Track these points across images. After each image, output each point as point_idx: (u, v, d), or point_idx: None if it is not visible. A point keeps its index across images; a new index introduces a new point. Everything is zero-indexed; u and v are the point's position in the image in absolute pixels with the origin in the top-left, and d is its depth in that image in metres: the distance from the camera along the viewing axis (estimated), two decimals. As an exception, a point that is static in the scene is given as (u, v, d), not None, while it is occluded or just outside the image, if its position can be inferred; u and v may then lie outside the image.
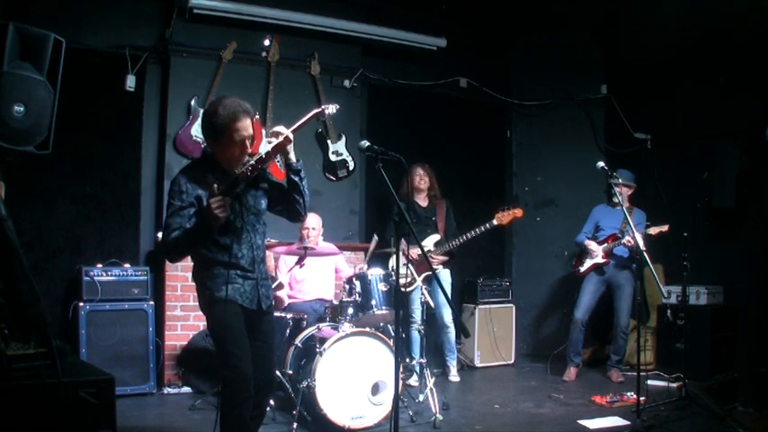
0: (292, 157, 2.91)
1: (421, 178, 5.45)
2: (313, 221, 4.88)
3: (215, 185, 2.61)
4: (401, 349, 3.98)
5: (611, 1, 6.25)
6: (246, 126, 2.75)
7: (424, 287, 4.72)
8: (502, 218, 5.27)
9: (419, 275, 5.23)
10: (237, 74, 5.47)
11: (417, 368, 4.53)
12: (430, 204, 5.52)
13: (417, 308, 5.36)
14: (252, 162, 2.67)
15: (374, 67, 6.23)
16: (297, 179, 2.94)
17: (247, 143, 2.76)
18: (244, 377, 2.76)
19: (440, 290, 5.32)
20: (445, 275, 5.49)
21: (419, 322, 5.40)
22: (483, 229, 5.27)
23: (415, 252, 5.25)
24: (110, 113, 5.23)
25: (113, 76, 5.19)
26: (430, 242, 5.42)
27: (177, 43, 5.30)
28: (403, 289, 4.73)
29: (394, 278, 4.70)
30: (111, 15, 5.19)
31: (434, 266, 5.33)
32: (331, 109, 2.98)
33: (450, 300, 5.06)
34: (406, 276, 5.02)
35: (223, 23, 5.35)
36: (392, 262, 5.35)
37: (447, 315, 5.45)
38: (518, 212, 5.30)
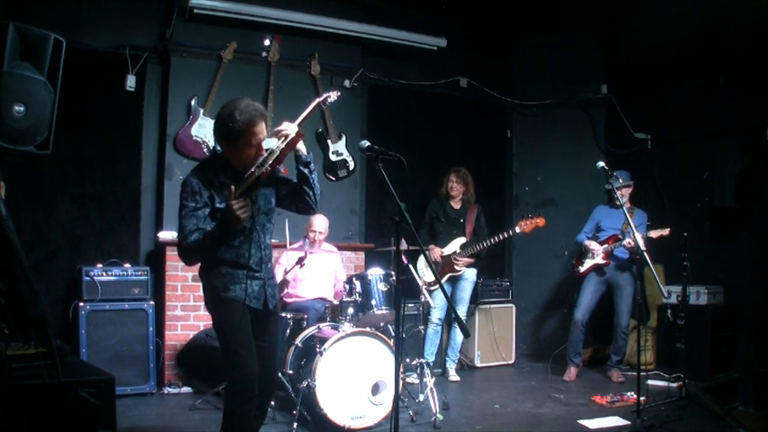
0: (303, 150, 2.93)
1: (453, 184, 5.58)
2: (321, 225, 4.88)
3: (233, 187, 2.62)
4: (403, 349, 3.99)
5: (611, 1, 6.25)
6: (263, 129, 2.80)
7: (424, 287, 4.74)
8: (524, 226, 5.35)
9: (443, 276, 5.32)
10: (238, 74, 5.47)
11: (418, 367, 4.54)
12: (462, 208, 5.63)
13: (437, 307, 5.42)
14: (270, 161, 2.71)
15: (374, 67, 6.23)
16: (307, 171, 2.96)
17: (263, 145, 2.80)
18: (249, 377, 2.77)
19: (459, 290, 5.48)
20: (470, 275, 5.60)
21: (437, 322, 5.48)
22: (506, 235, 5.43)
23: (439, 252, 5.39)
24: (110, 113, 5.23)
25: (113, 76, 5.20)
26: (456, 244, 5.52)
27: (177, 43, 5.30)
28: (426, 288, 4.84)
29: (419, 278, 4.79)
30: (111, 15, 5.20)
31: (459, 268, 5.45)
32: (333, 96, 3.01)
33: (450, 302, 5.13)
34: (420, 274, 5.14)
35: (223, 23, 5.35)
36: (420, 263, 5.41)
37: (462, 314, 5.52)
38: (540, 222, 5.34)
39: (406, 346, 4.89)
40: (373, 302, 4.28)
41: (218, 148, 2.91)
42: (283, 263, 4.91)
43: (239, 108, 2.74)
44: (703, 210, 5.89)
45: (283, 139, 2.77)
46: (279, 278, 4.76)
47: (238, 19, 5.35)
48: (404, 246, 3.86)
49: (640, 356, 4.56)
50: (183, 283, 5.13)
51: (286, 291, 4.88)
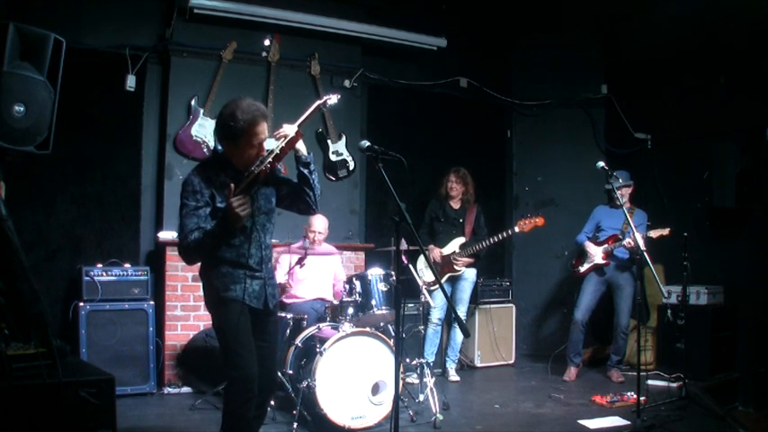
0: (303, 150, 2.93)
1: (452, 185, 5.58)
2: (320, 225, 4.87)
3: (232, 185, 2.63)
4: (403, 349, 4.00)
5: (611, 1, 6.25)
6: (264, 129, 2.80)
7: (424, 287, 4.74)
8: (524, 225, 5.35)
9: (442, 276, 5.32)
10: (238, 74, 5.47)
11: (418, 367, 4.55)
12: (461, 208, 5.63)
13: (436, 307, 5.43)
14: (269, 160, 2.72)
15: (374, 67, 6.23)
16: (306, 172, 2.96)
17: (264, 145, 2.80)
18: (248, 377, 2.77)
19: (459, 290, 5.48)
20: (470, 275, 5.59)
21: (437, 322, 5.48)
22: (505, 234, 5.43)
23: (438, 252, 5.38)
24: (110, 113, 5.23)
25: (113, 76, 5.20)
26: (455, 244, 5.52)
27: (177, 43, 5.30)
28: (426, 288, 4.85)
29: (419, 278, 4.79)
30: (111, 15, 5.20)
31: (458, 268, 5.45)
32: (333, 99, 3.02)
33: (450, 301, 5.14)
34: (420, 274, 5.14)
35: (223, 23, 5.35)
36: (420, 263, 5.42)
37: (462, 314, 5.52)
38: (539, 221, 5.35)
39: (406, 346, 4.89)
40: (373, 302, 4.28)
41: (219, 147, 2.91)
42: (282, 264, 4.90)
43: (241, 108, 2.74)
44: (703, 210, 5.89)
45: (283, 138, 2.78)
46: (280, 279, 4.76)
47: (238, 19, 5.35)
48: (404, 246, 3.86)
49: (640, 356, 4.56)
50: (183, 283, 5.13)
51: (287, 292, 4.89)
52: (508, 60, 7.09)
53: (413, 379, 4.94)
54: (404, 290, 3.64)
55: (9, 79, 2.79)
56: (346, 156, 5.86)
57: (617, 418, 4.32)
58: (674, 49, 6.13)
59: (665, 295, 5.15)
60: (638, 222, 5.28)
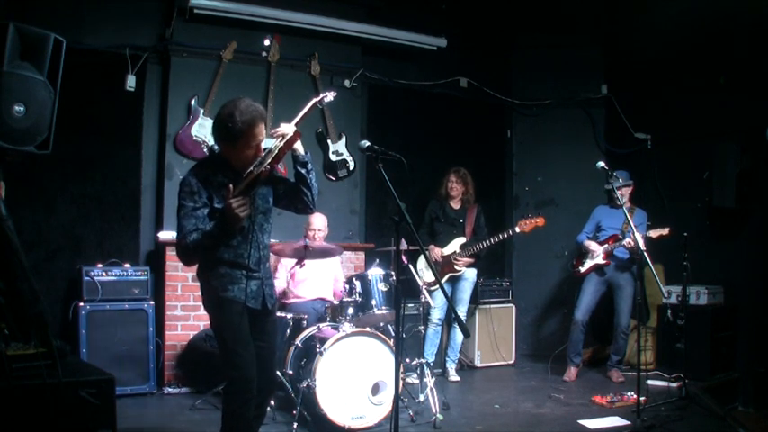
0: (300, 150, 2.93)
1: (453, 185, 5.58)
2: (320, 223, 4.88)
3: (231, 186, 2.63)
4: (403, 349, 4.00)
5: (611, 1, 6.25)
6: (262, 130, 2.80)
7: (424, 287, 4.74)
8: (524, 225, 5.35)
9: (443, 276, 5.35)
10: (238, 74, 5.47)
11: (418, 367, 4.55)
12: (461, 208, 5.63)
13: (437, 307, 5.42)
14: (269, 160, 2.71)
15: (374, 67, 6.23)
16: (304, 171, 2.95)
17: (261, 146, 2.80)
18: (247, 377, 2.77)
19: (459, 290, 5.48)
20: (470, 275, 5.60)
21: (437, 322, 5.48)
22: (505, 235, 5.44)
23: (439, 253, 5.39)
24: (110, 113, 5.23)
25: (113, 76, 5.20)
26: (456, 244, 5.52)
27: (177, 43, 5.30)
28: (426, 288, 4.85)
29: (419, 278, 4.79)
30: (111, 15, 5.19)
31: (459, 268, 5.45)
32: (329, 96, 3.03)
33: (450, 301, 5.16)
34: (420, 274, 5.15)
35: (223, 23, 5.35)
36: (420, 263, 5.42)
37: (462, 314, 5.52)
38: (540, 221, 5.35)
39: (406, 346, 4.89)
40: (373, 302, 4.28)
41: (217, 147, 2.91)
42: (281, 269, 4.91)
43: (239, 109, 2.73)
44: (703, 210, 5.89)
45: (281, 138, 2.78)
46: (281, 285, 4.77)
47: (238, 19, 5.35)
48: (404, 246, 3.86)
49: (640, 356, 4.56)
50: (183, 283, 5.13)
51: (287, 294, 4.89)
52: (508, 60, 7.09)
53: (413, 379, 4.94)
54: (404, 290, 3.64)
55: (9, 79, 2.79)
56: (346, 156, 5.86)
57: (617, 418, 4.33)
58: (674, 49, 6.14)
59: (665, 295, 5.15)
60: (639, 222, 5.28)
